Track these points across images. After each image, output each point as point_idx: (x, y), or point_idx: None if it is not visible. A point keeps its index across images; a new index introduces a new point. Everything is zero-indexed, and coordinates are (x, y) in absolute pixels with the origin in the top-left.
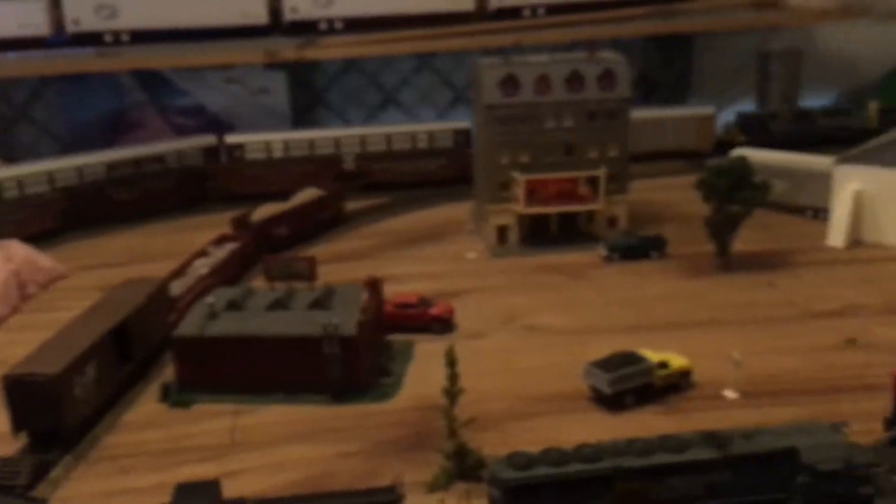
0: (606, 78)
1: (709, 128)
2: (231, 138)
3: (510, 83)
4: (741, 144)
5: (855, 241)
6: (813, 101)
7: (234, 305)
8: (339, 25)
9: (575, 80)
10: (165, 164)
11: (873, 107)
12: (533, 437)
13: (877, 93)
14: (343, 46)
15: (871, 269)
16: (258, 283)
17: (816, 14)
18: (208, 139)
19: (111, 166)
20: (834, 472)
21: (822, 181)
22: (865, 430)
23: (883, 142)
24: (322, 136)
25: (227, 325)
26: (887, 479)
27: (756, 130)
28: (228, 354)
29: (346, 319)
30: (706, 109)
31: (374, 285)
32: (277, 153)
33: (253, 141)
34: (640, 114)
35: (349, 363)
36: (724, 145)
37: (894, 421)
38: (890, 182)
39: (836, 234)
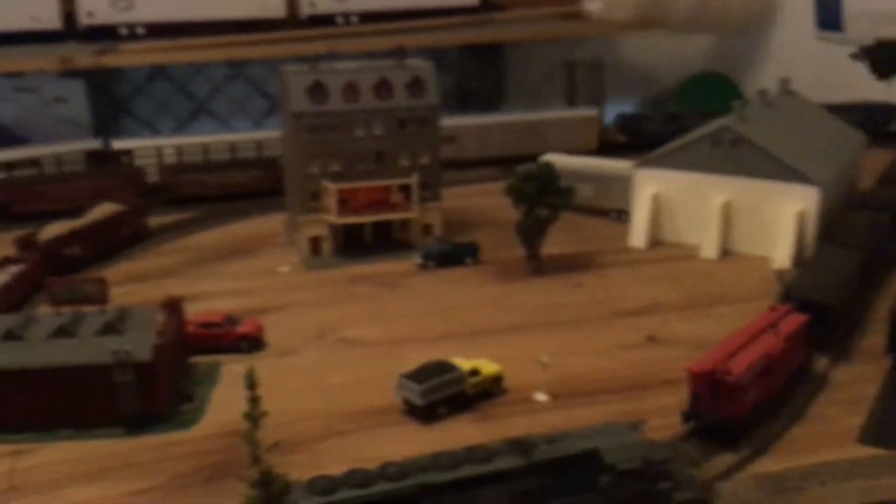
0: (415, 85)
1: (592, 128)
2: (18, 152)
3: (318, 91)
4: (620, 144)
5: (655, 242)
6: (616, 108)
7: (11, 335)
8: (140, 31)
9: (383, 87)
10: None
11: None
12: (345, 457)
13: (675, 100)
14: (146, 53)
15: (670, 268)
16: (45, 309)
17: (617, 26)
18: None
19: None
20: (634, 471)
21: (624, 185)
22: (666, 425)
23: (678, 145)
24: (123, 147)
25: (2, 358)
26: (685, 473)
27: (632, 130)
28: (5, 389)
29: (140, 344)
30: (590, 111)
31: (172, 305)
32: (71, 166)
33: (46, 154)
34: (525, 116)
35: (145, 391)
36: (605, 145)
37: (691, 414)
38: (685, 184)
39: (638, 235)
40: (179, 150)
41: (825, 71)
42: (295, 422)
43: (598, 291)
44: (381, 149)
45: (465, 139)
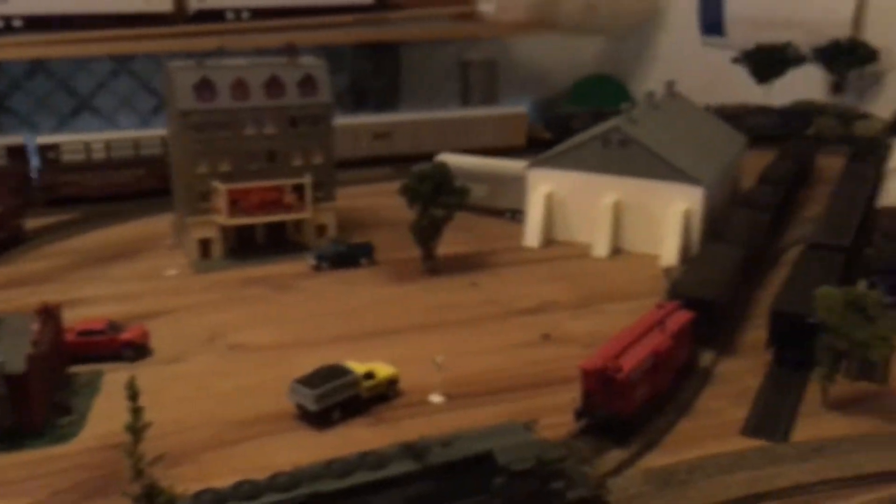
0: (307, 83)
1: (521, 125)
2: None
3: (205, 88)
4: (546, 141)
5: (548, 241)
6: (510, 107)
7: None
8: (17, 23)
9: (274, 85)
10: None
11: None
12: (235, 466)
13: (567, 101)
14: (23, 46)
15: (563, 266)
16: None
17: (509, 27)
18: None
19: None
20: (527, 471)
21: (518, 184)
22: (560, 423)
23: (569, 146)
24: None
25: None
26: (577, 471)
27: (559, 128)
28: None
29: (12, 354)
30: (519, 109)
31: (48, 312)
32: None
33: None
34: (456, 113)
35: (19, 404)
36: (532, 142)
37: (583, 412)
38: (576, 184)
39: (532, 234)
40: (58, 149)
41: (709, 74)
42: (182, 431)
43: (493, 291)
44: (272, 148)
45: (398, 135)
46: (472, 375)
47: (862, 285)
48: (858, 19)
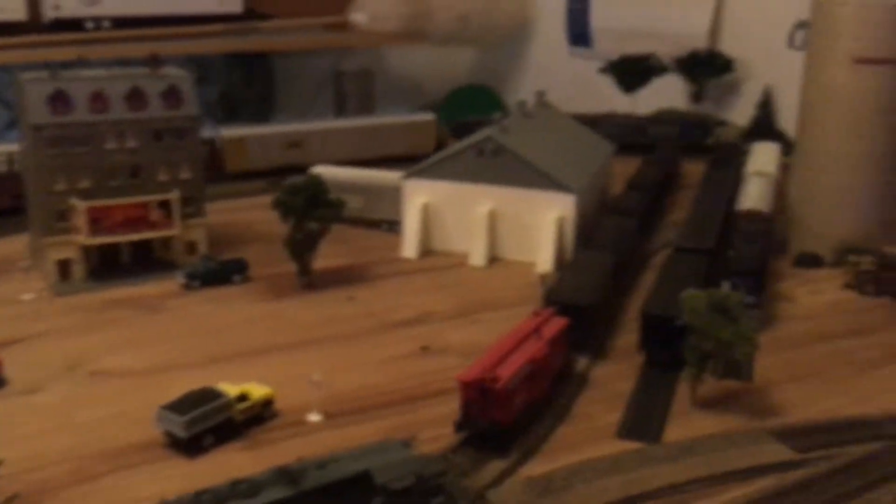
0: (171, 95)
1: (430, 133)
2: None
3: (60, 100)
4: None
5: (426, 251)
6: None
7: None
8: None
9: (136, 97)
10: None
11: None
12: (97, 502)
13: (443, 111)
14: None
15: (441, 277)
16: None
17: (382, 37)
18: None
19: None
20: (406, 489)
21: (394, 195)
22: (441, 436)
23: (444, 156)
24: None
25: None
26: (457, 485)
27: (466, 136)
28: None
29: None
30: (428, 116)
31: None
32: None
33: None
34: (367, 121)
35: None
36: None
37: (463, 424)
38: (452, 193)
39: (409, 245)
40: None
41: (578, 84)
42: (40, 468)
43: (371, 304)
44: (135, 163)
45: (309, 144)
46: (351, 391)
47: (725, 286)
48: (715, 31)
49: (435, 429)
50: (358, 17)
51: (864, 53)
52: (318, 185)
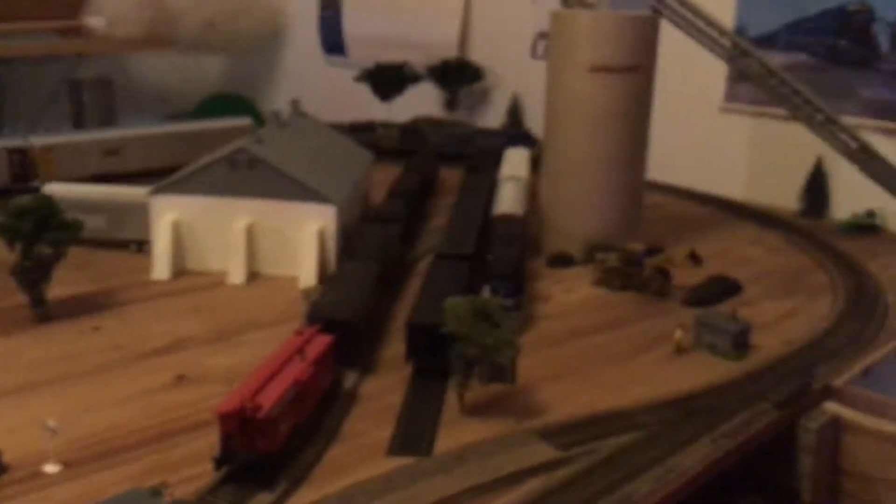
0: None
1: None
2: None
3: None
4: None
5: (180, 272)
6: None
7: None
8: None
9: None
10: None
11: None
12: None
13: (193, 118)
14: None
15: (197, 298)
16: None
17: (122, 43)
18: None
19: None
20: None
21: (141, 212)
22: (201, 474)
23: (194, 169)
24: None
25: None
26: None
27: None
28: None
29: None
30: (245, 120)
31: None
32: None
33: None
34: (188, 126)
35: None
36: None
37: (224, 458)
38: (205, 208)
39: (160, 266)
40: None
41: (335, 92)
42: None
43: (119, 333)
44: None
45: (128, 151)
46: (96, 434)
47: (486, 291)
48: (464, 41)
49: (192, 467)
50: (93, 20)
51: (600, 62)
52: (49, 205)
